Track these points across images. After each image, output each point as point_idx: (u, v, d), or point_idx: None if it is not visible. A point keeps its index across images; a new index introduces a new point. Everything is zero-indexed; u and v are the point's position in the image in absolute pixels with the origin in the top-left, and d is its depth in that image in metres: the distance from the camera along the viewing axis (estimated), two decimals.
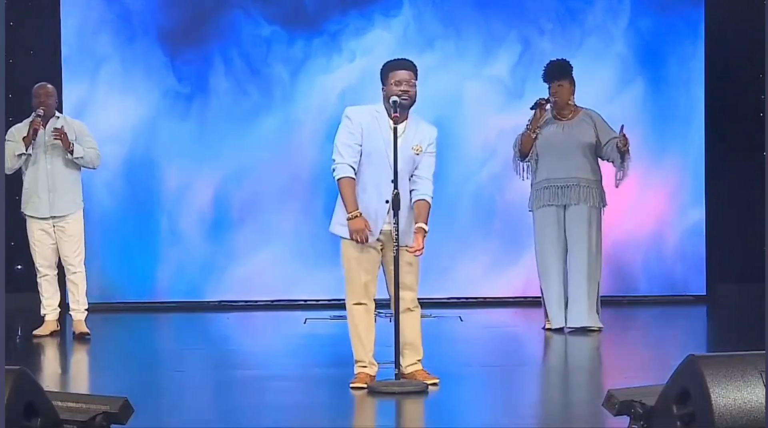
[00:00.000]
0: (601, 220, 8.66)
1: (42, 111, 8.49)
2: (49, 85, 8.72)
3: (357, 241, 6.21)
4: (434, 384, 6.30)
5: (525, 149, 8.52)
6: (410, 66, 6.35)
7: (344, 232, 6.29)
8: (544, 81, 8.60)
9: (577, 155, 8.55)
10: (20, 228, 8.75)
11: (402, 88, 6.24)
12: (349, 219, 6.23)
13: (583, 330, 8.50)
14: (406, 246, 6.26)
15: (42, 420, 4.19)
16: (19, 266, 9.85)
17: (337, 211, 6.39)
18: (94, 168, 8.74)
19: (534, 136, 8.44)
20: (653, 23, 10.64)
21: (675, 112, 10.61)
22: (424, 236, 6.25)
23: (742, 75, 10.44)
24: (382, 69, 6.40)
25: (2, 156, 8.18)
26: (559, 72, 8.57)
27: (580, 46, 10.50)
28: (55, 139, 8.42)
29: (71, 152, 8.45)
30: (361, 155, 6.28)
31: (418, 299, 6.47)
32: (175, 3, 10.56)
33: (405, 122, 6.32)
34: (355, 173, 6.27)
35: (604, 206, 8.67)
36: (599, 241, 8.64)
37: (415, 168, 6.34)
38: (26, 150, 8.45)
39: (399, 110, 6.19)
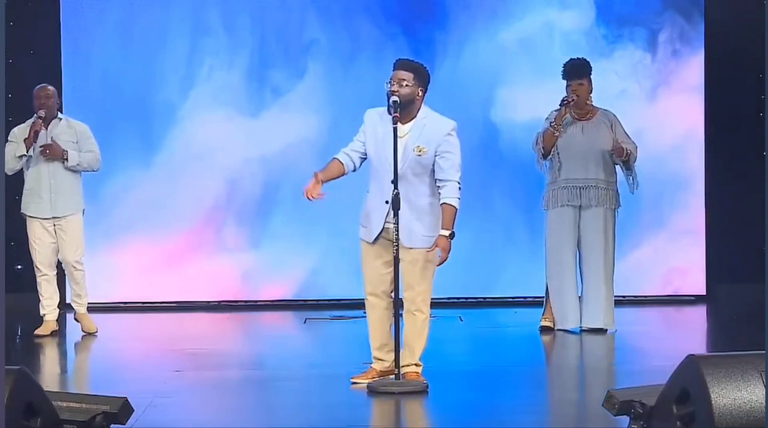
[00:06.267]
0: (615, 222, 8.69)
1: (43, 113, 8.53)
2: (50, 87, 8.75)
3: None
4: None
5: (547, 147, 8.51)
6: (406, 65, 6.34)
7: (361, 233, 6.41)
8: (564, 79, 8.61)
9: (596, 157, 8.57)
10: (20, 228, 8.75)
11: (392, 87, 6.24)
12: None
13: (594, 330, 8.52)
14: (426, 249, 6.27)
15: (42, 420, 4.19)
16: (19, 266, 9.84)
17: (361, 214, 6.48)
18: (94, 171, 8.79)
19: (557, 134, 8.45)
20: (653, 23, 10.62)
21: (675, 111, 10.59)
22: (447, 242, 6.21)
23: (742, 75, 10.43)
24: None
25: (2, 156, 8.18)
26: (579, 71, 8.60)
27: (578, 46, 10.47)
28: (45, 155, 8.48)
29: (66, 160, 8.51)
30: (366, 156, 6.42)
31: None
32: (176, 2, 10.53)
33: (412, 121, 6.31)
34: (355, 167, 6.43)
35: (618, 207, 8.70)
36: (614, 243, 8.67)
37: (433, 171, 6.28)
38: (27, 151, 8.50)
39: (396, 109, 6.18)
